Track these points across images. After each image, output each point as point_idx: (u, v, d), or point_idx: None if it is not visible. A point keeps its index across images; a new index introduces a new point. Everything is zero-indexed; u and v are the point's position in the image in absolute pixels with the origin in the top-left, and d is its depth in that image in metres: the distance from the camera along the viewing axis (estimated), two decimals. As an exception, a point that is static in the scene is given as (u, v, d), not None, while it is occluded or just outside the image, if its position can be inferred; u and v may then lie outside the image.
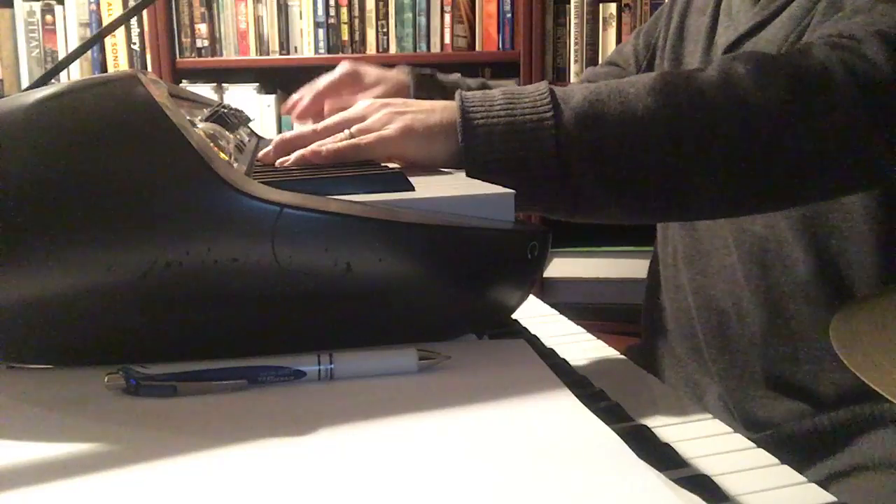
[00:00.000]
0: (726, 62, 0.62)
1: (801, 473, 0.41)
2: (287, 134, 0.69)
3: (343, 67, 0.82)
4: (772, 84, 0.60)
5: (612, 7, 2.14)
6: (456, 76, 0.99)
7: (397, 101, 0.66)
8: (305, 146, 0.65)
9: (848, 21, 0.66)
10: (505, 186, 0.55)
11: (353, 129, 0.64)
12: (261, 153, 0.70)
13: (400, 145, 0.62)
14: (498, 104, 0.61)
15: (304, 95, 0.89)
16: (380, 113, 0.64)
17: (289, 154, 0.65)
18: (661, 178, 0.60)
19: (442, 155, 0.62)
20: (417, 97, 0.80)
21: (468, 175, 0.60)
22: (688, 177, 0.60)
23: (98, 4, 2.32)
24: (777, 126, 0.60)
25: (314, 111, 0.87)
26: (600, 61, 1.16)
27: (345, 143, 0.62)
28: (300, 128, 0.86)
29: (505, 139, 0.59)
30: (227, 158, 0.61)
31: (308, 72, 2.59)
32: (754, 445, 0.44)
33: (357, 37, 2.26)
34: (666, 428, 0.46)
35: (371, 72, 0.87)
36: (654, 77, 0.62)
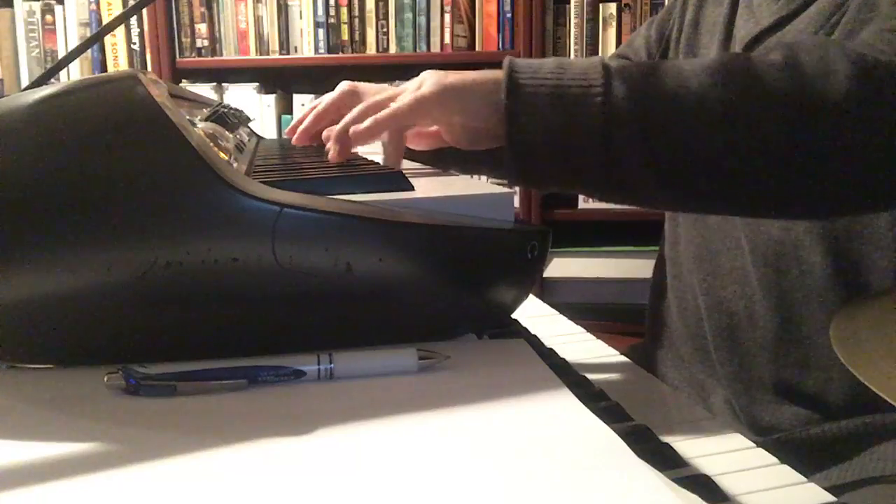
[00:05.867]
0: (790, 47, 0.60)
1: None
2: (338, 127, 0.68)
3: (342, 86, 0.81)
4: (837, 72, 0.57)
5: (612, 7, 2.14)
6: None
7: (439, 71, 0.64)
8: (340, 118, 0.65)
9: None
10: (544, 153, 0.54)
11: (391, 106, 0.63)
12: (293, 124, 0.70)
13: (437, 104, 0.60)
14: (546, 68, 0.59)
15: (305, 116, 0.89)
16: (415, 81, 0.63)
17: (324, 126, 0.65)
18: (711, 162, 0.58)
19: (481, 113, 0.60)
20: None
21: (508, 141, 0.57)
22: (739, 162, 0.58)
23: (98, 4, 2.32)
24: (838, 116, 0.57)
25: (315, 132, 0.87)
26: (609, 55, 1.15)
27: (384, 113, 0.61)
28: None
29: (549, 104, 0.57)
30: (227, 158, 0.61)
31: (308, 72, 2.59)
32: (754, 445, 0.44)
33: (357, 37, 2.26)
34: (666, 428, 0.46)
35: (370, 88, 0.87)
36: (714, 58, 0.60)
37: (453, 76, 0.61)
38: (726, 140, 0.57)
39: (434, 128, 0.69)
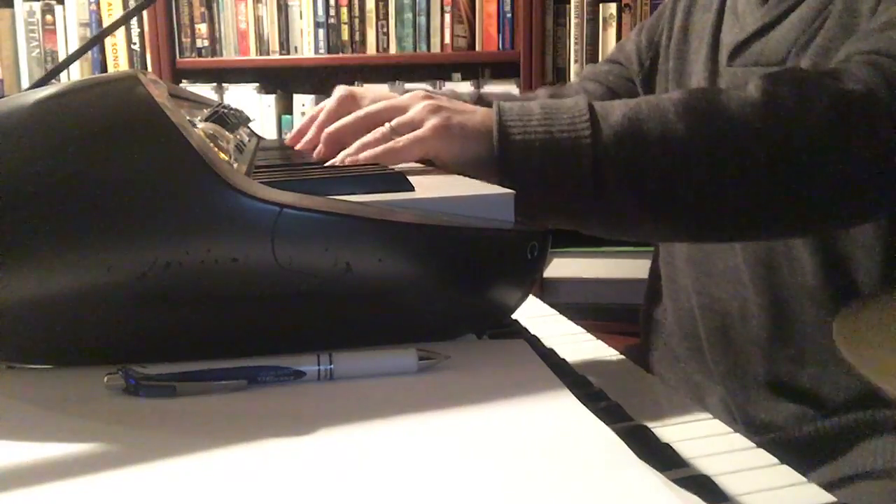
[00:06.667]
0: (768, 82, 0.61)
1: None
2: (331, 128, 0.69)
3: (338, 92, 0.81)
4: (814, 107, 0.59)
5: (612, 7, 2.14)
6: (450, 91, 0.99)
7: (441, 98, 0.65)
8: (350, 134, 0.65)
9: (882, 36, 0.65)
10: (540, 201, 0.55)
11: (394, 122, 0.63)
12: (315, 154, 0.70)
13: (434, 144, 0.61)
14: (535, 119, 0.60)
15: (305, 127, 0.88)
16: (420, 105, 0.63)
17: (341, 146, 0.65)
18: (699, 200, 0.60)
19: (474, 158, 0.61)
20: None
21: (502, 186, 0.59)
22: (726, 199, 0.60)
23: (98, 4, 2.32)
24: (819, 149, 0.59)
25: (318, 142, 0.87)
26: (600, 61, 1.15)
27: (381, 148, 0.62)
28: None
29: (542, 155, 0.59)
30: (227, 158, 0.61)
31: (308, 72, 2.60)
32: (754, 445, 0.44)
33: (357, 37, 2.26)
34: (666, 428, 0.46)
35: (367, 93, 0.87)
36: (695, 96, 0.61)
37: (455, 119, 0.61)
38: (712, 180, 0.60)
39: None
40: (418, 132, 0.61)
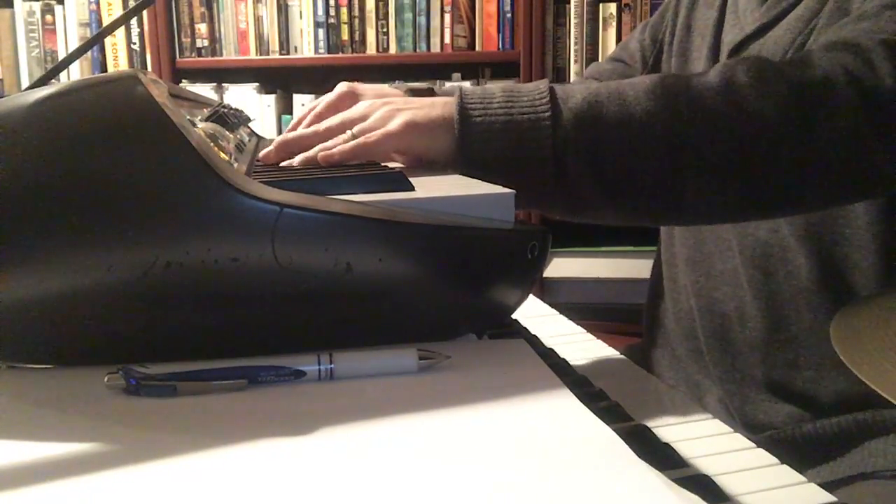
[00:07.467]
0: (728, 68, 0.62)
1: (799, 475, 0.40)
2: (289, 135, 0.69)
3: (341, 88, 0.82)
4: (773, 92, 0.59)
5: (612, 7, 2.14)
6: (453, 87, 0.99)
7: (397, 99, 0.66)
8: (308, 147, 0.65)
9: (853, 27, 0.65)
10: (501, 184, 0.55)
11: (356, 129, 0.64)
12: (261, 153, 0.70)
13: (404, 140, 0.62)
14: (497, 102, 0.61)
15: (304, 117, 0.89)
16: (381, 111, 0.64)
17: (291, 155, 0.66)
18: (658, 183, 0.60)
19: (443, 149, 0.62)
20: None
21: (464, 172, 0.60)
22: (684, 182, 0.60)
23: (98, 4, 2.32)
24: (776, 135, 0.60)
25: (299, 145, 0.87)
26: (604, 59, 1.15)
27: (352, 143, 0.62)
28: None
29: (502, 138, 0.59)
30: (227, 158, 0.61)
31: (308, 72, 2.60)
32: (754, 445, 0.44)
33: (357, 37, 2.26)
34: (666, 428, 0.46)
35: (368, 89, 0.87)
36: (654, 80, 0.62)
37: (420, 114, 0.62)
38: (671, 163, 0.60)
39: None
40: (389, 128, 0.62)
